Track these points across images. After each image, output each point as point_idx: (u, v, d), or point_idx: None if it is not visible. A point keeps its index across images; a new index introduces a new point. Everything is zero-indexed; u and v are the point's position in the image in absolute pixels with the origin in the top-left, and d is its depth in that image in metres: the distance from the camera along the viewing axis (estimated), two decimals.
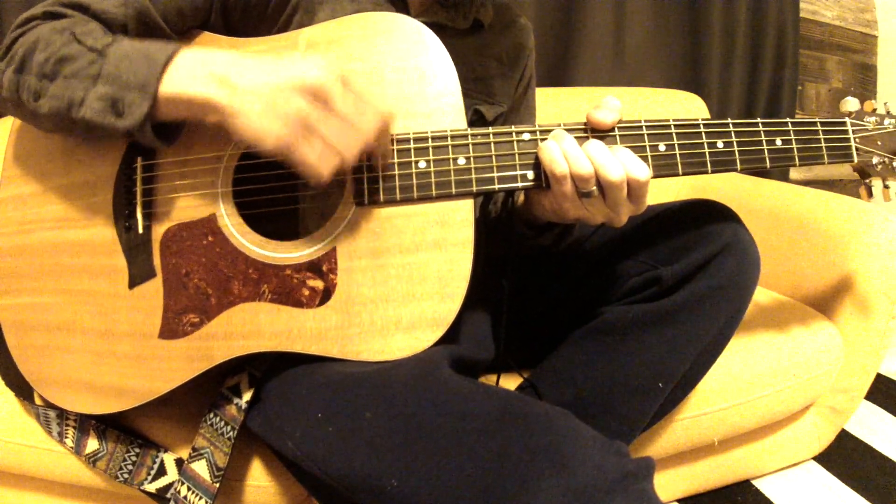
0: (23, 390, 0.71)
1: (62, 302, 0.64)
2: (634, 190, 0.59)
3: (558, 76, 1.60)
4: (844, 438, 1.21)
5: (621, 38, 1.64)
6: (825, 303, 1.05)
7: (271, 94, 0.52)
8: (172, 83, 0.54)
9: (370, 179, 0.60)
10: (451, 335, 0.61)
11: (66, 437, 0.70)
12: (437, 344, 0.60)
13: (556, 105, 1.42)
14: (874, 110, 0.72)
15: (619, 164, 0.58)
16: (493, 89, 0.83)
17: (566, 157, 0.59)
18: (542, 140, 0.61)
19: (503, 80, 0.85)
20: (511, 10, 0.88)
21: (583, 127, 0.63)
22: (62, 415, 0.70)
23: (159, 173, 0.63)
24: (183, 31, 0.66)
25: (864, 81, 2.03)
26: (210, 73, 0.53)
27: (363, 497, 0.53)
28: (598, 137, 0.62)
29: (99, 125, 0.55)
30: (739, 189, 1.32)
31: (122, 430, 0.71)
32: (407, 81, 0.62)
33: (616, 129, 0.62)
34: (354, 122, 0.53)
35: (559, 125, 0.62)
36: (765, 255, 0.73)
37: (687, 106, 1.50)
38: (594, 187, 0.59)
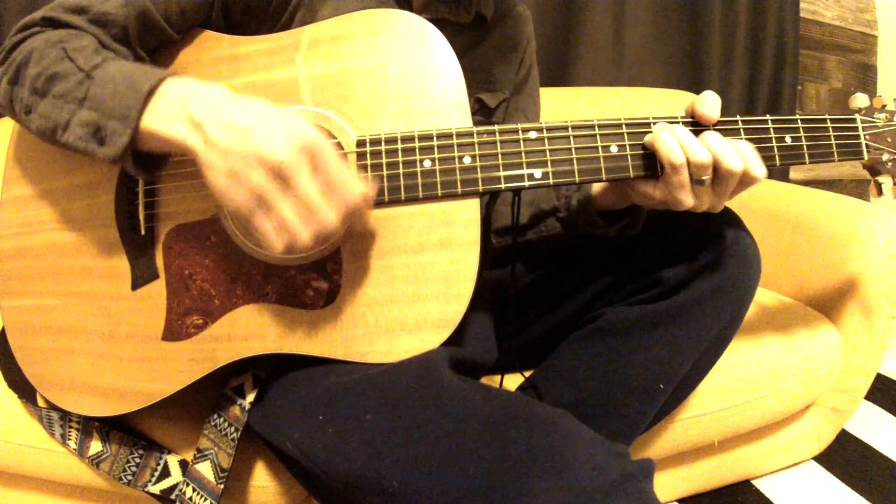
0: (25, 392, 0.71)
1: (65, 304, 0.63)
2: (746, 181, 0.62)
3: (558, 76, 1.60)
4: (844, 438, 1.21)
5: (621, 38, 1.64)
6: (825, 303, 1.05)
7: (237, 159, 0.50)
8: (153, 118, 0.53)
9: (375, 179, 0.60)
10: (454, 336, 0.60)
11: (70, 439, 0.70)
12: (440, 345, 0.60)
13: (556, 105, 1.42)
14: (884, 106, 0.71)
15: (737, 154, 0.60)
16: (493, 77, 0.83)
17: (683, 146, 0.60)
18: (550, 139, 0.61)
19: (503, 66, 0.85)
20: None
21: (675, 120, 0.63)
22: (65, 417, 0.70)
23: (161, 174, 0.63)
24: (184, 29, 0.66)
25: (864, 81, 2.03)
26: (188, 114, 0.52)
27: (364, 498, 0.53)
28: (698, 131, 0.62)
29: (82, 151, 0.55)
30: None
31: (126, 431, 0.71)
32: (411, 79, 0.61)
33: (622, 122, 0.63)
34: (314, 209, 0.51)
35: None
36: (765, 256, 0.73)
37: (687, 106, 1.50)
38: (708, 176, 0.60)
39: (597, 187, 0.73)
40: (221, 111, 0.52)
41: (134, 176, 0.61)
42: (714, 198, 0.63)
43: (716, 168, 0.60)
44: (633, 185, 0.66)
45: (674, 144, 0.59)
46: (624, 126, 0.62)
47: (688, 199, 0.62)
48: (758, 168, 0.61)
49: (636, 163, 0.62)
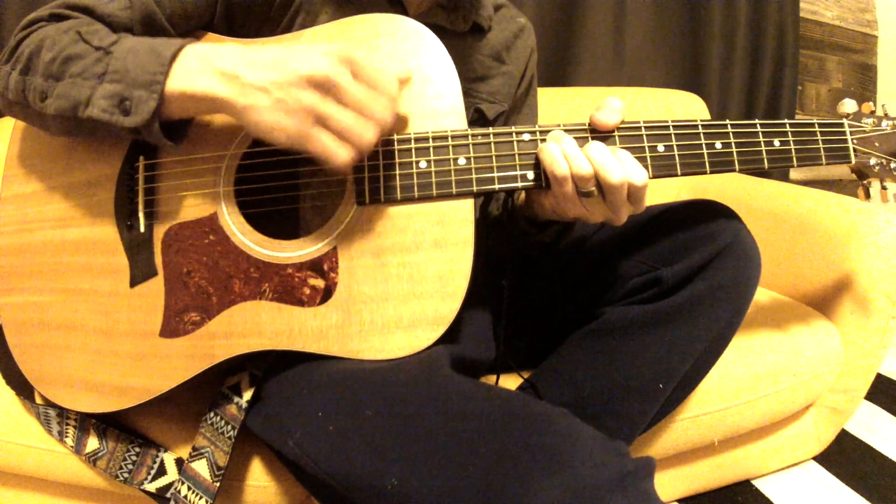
0: (23, 389, 0.71)
1: (63, 301, 0.64)
2: (633, 193, 0.60)
3: (558, 76, 1.60)
4: (844, 438, 1.21)
5: (621, 38, 1.64)
6: (825, 303, 1.05)
7: (279, 89, 0.52)
8: (179, 79, 0.54)
9: (371, 179, 0.60)
10: (453, 335, 0.61)
11: (67, 437, 0.70)
12: (438, 343, 0.60)
13: (556, 105, 1.42)
14: (872, 112, 0.72)
15: (618, 166, 0.58)
16: (493, 88, 0.83)
17: (566, 157, 0.59)
18: (542, 141, 0.62)
19: (503, 78, 0.85)
20: (511, 10, 0.88)
21: (583, 128, 0.63)
22: (63, 414, 0.70)
23: (161, 172, 0.63)
24: (187, 32, 0.66)
25: (864, 81, 2.03)
26: (217, 68, 0.53)
27: (363, 497, 0.53)
28: (599, 138, 0.62)
29: (106, 124, 0.55)
30: (739, 189, 1.32)
31: (123, 429, 0.71)
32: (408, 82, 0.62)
33: (615, 130, 0.63)
34: (366, 110, 0.53)
35: (559, 126, 0.63)
36: (765, 255, 0.73)
37: (687, 106, 1.50)
38: (594, 187, 0.59)
39: (522, 195, 0.73)
40: (249, 59, 0.53)
41: (157, 145, 0.61)
42: (607, 210, 0.62)
43: (598, 180, 0.59)
44: (528, 194, 0.67)
45: (558, 156, 0.59)
46: (616, 129, 0.63)
47: (572, 210, 0.62)
48: (638, 176, 0.59)
49: (536, 172, 0.62)
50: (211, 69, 0.53)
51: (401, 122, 0.62)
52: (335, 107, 0.52)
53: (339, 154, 0.53)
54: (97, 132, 0.57)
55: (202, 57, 0.54)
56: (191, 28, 0.66)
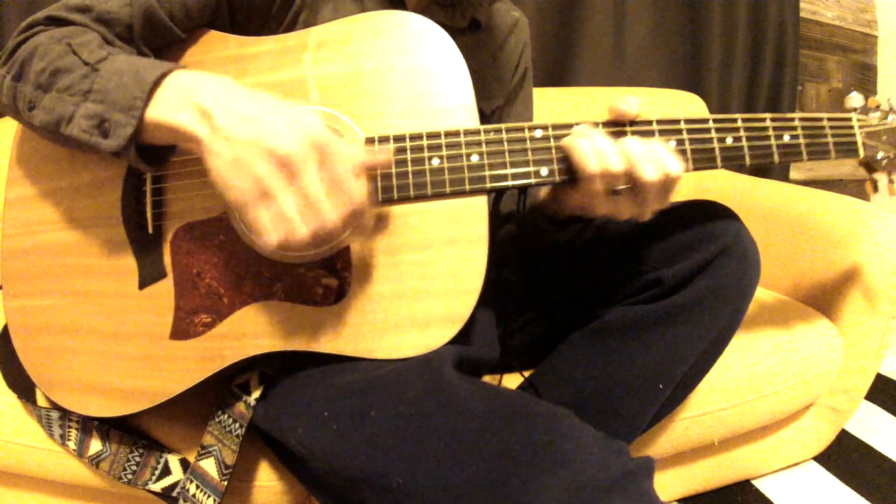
0: (25, 392, 0.71)
1: (70, 303, 0.63)
2: (667, 185, 0.59)
3: (558, 76, 1.60)
4: (844, 438, 1.21)
5: (621, 38, 1.64)
6: (825, 302, 1.05)
7: (241, 148, 0.49)
8: (159, 108, 0.53)
9: (384, 177, 0.60)
10: (460, 334, 0.60)
11: (69, 440, 0.70)
12: (448, 341, 0.60)
13: (556, 105, 1.42)
14: (878, 106, 0.73)
15: (654, 162, 0.58)
16: (489, 84, 0.84)
17: (598, 154, 0.59)
18: (555, 138, 0.61)
19: (498, 73, 0.85)
20: (506, 3, 0.88)
21: (594, 123, 0.63)
22: (65, 416, 0.69)
23: (168, 172, 0.63)
24: (190, 29, 0.66)
25: (864, 81, 2.04)
26: (196, 103, 0.51)
27: (367, 495, 0.53)
28: (613, 133, 0.62)
29: (85, 143, 0.54)
30: (739, 189, 1.32)
31: (126, 430, 0.70)
32: (417, 79, 0.61)
33: (628, 126, 0.63)
34: (316, 204, 0.49)
35: (577, 123, 0.62)
36: (765, 255, 0.73)
37: (687, 106, 1.51)
38: (624, 185, 0.59)
39: (544, 192, 0.73)
40: (231, 101, 0.51)
41: (137, 169, 0.60)
42: (635, 207, 0.61)
43: (634, 177, 0.59)
44: (553, 190, 0.67)
45: (589, 151, 0.59)
46: (628, 126, 0.63)
47: (601, 208, 0.62)
48: (675, 167, 0.59)
49: (549, 168, 0.61)
50: (189, 102, 0.52)
51: (409, 121, 0.61)
52: (283, 189, 0.49)
53: (267, 237, 0.50)
54: (81, 148, 0.57)
55: (185, 88, 0.53)
56: (193, 26, 0.66)
